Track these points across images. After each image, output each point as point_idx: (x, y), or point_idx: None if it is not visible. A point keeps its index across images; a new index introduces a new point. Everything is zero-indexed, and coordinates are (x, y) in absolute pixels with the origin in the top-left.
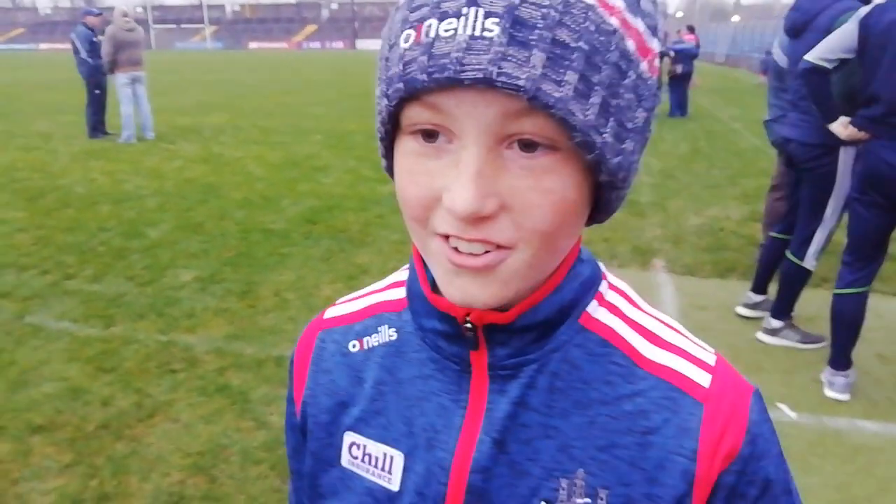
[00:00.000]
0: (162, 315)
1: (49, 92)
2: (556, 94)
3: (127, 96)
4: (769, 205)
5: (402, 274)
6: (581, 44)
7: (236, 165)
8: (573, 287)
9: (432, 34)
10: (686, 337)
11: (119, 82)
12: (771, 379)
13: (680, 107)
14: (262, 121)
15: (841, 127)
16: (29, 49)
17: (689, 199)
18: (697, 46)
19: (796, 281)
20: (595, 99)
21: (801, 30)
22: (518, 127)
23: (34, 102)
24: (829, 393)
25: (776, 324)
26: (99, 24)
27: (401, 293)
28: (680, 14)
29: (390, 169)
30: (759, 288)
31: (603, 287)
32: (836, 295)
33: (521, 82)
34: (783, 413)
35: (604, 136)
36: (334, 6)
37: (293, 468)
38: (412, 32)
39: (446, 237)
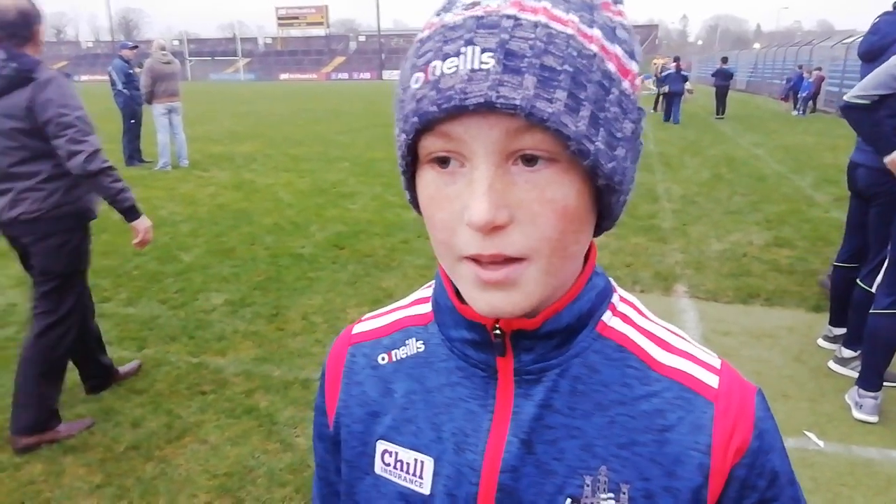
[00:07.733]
0: (193, 338)
1: None
2: (549, 110)
3: (163, 126)
4: None
5: (425, 292)
6: (566, 67)
7: (267, 192)
8: (590, 297)
9: (438, 73)
10: (692, 343)
11: (156, 112)
12: (797, 407)
13: (670, 116)
14: (292, 149)
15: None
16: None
17: (711, 225)
18: (678, 71)
19: (867, 309)
20: (584, 112)
21: (878, 55)
22: (520, 143)
23: None
24: (857, 414)
25: (847, 353)
26: (134, 56)
27: (426, 308)
28: (700, 42)
29: (414, 202)
30: (838, 320)
31: (615, 299)
32: (872, 314)
33: (517, 102)
34: (810, 441)
35: (596, 143)
36: (362, 38)
37: (320, 475)
38: (421, 74)
39: (471, 259)
